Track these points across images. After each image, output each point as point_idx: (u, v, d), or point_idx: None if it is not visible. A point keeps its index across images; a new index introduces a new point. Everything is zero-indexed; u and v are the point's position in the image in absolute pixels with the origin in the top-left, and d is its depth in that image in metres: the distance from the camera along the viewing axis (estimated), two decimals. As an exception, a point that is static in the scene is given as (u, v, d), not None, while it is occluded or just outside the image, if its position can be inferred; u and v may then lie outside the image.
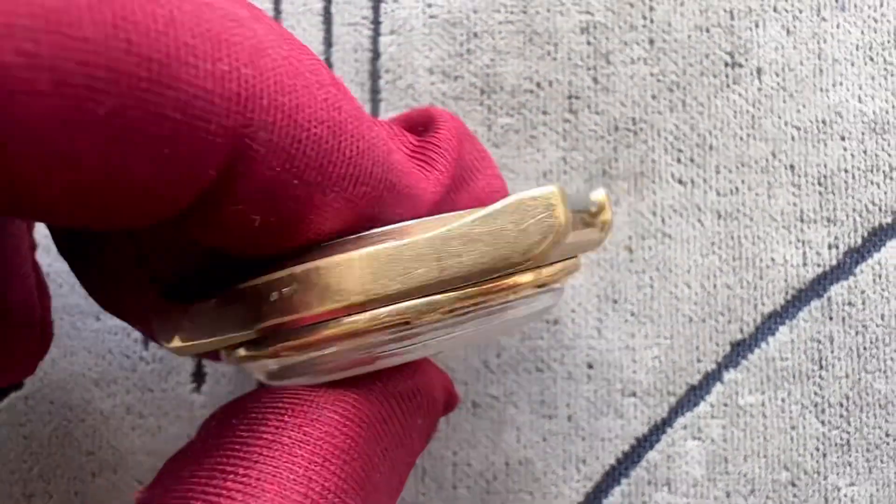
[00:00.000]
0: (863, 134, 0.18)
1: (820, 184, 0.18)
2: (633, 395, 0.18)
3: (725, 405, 0.18)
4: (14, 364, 0.14)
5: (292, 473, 0.11)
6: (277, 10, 0.19)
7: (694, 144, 0.19)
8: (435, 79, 0.19)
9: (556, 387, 0.18)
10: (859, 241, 0.18)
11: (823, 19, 0.19)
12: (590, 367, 0.18)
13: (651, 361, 0.18)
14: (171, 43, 0.09)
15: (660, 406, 0.18)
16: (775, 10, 0.19)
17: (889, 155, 0.18)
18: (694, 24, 0.19)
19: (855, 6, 0.19)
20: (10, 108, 0.08)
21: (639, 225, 0.19)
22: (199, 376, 0.19)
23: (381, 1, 0.19)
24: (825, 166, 0.18)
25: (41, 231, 0.15)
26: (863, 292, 0.18)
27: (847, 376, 0.18)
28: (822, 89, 0.19)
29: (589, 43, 0.19)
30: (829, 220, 0.18)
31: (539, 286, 0.12)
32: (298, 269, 0.11)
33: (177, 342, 0.12)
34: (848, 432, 0.18)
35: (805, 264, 0.18)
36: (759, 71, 0.19)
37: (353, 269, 0.11)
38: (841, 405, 0.18)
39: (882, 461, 0.18)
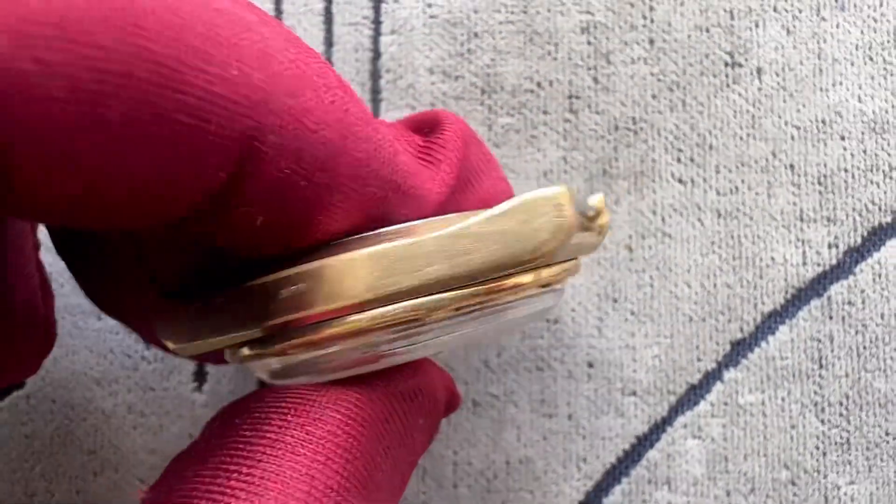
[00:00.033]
0: (863, 133, 0.18)
1: (820, 183, 0.18)
2: (634, 393, 0.18)
3: (725, 404, 0.18)
4: (17, 363, 0.14)
5: (295, 472, 0.11)
6: (278, 10, 0.19)
7: (694, 144, 0.19)
8: (435, 78, 0.19)
9: (557, 386, 0.19)
10: (859, 240, 0.18)
11: (823, 19, 0.19)
12: (590, 365, 0.19)
13: (651, 360, 0.18)
14: (183, 48, 0.09)
15: (660, 405, 0.18)
16: (775, 9, 0.19)
17: (889, 154, 0.18)
18: (694, 23, 0.19)
19: (855, 6, 0.19)
20: (25, 113, 0.08)
21: (639, 224, 0.19)
22: (200, 375, 0.19)
23: (382, 1, 0.19)
24: (825, 166, 0.19)
25: (44, 230, 0.15)
26: (863, 291, 0.18)
27: (847, 375, 0.18)
28: (821, 89, 0.19)
29: (589, 43, 0.19)
30: (828, 219, 0.18)
31: (542, 286, 0.12)
32: (307, 267, 0.12)
33: (178, 342, 0.13)
34: (848, 431, 0.18)
35: (805, 263, 0.18)
36: (759, 71, 0.19)
37: (361, 267, 0.11)
38: (841, 404, 0.18)
39: (882, 460, 0.18)
